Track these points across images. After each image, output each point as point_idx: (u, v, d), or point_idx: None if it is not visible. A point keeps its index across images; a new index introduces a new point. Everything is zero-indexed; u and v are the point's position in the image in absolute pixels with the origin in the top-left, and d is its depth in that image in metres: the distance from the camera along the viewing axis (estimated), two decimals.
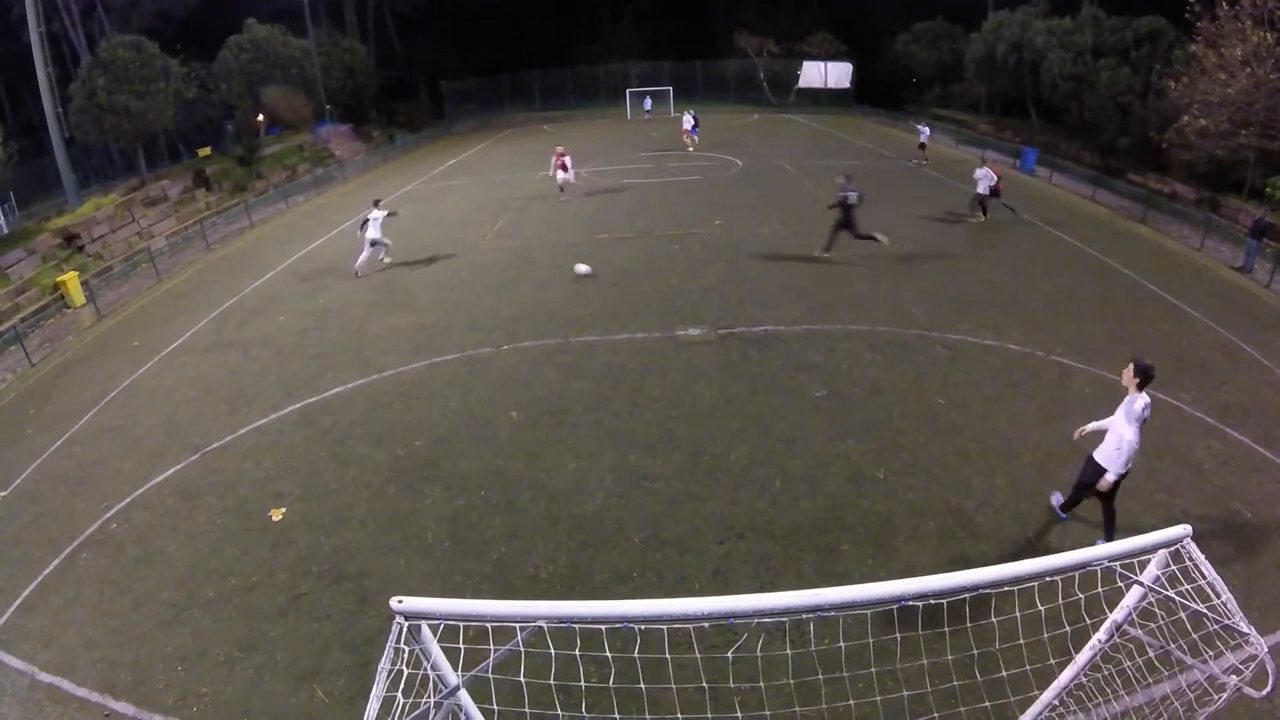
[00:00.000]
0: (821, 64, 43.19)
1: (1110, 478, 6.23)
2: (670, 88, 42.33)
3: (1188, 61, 20.33)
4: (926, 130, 25.85)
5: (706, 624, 2.44)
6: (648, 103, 41.09)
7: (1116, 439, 6.13)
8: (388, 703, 2.59)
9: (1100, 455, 6.29)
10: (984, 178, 17.55)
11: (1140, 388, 6.02)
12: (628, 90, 42.10)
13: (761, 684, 4.21)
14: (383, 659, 2.57)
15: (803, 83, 43.96)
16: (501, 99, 45.51)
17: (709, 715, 4.11)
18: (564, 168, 21.38)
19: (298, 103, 32.90)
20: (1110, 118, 24.72)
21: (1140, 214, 19.18)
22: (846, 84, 42.93)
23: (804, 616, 2.50)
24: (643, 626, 2.71)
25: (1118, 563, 2.76)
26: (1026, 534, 6.94)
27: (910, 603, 2.52)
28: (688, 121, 29.08)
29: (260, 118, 31.58)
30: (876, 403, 9.38)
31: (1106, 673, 3.66)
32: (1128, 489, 7.57)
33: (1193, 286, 13.80)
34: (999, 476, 7.81)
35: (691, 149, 28.56)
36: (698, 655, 3.85)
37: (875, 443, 8.51)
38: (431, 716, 2.70)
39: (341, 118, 36.34)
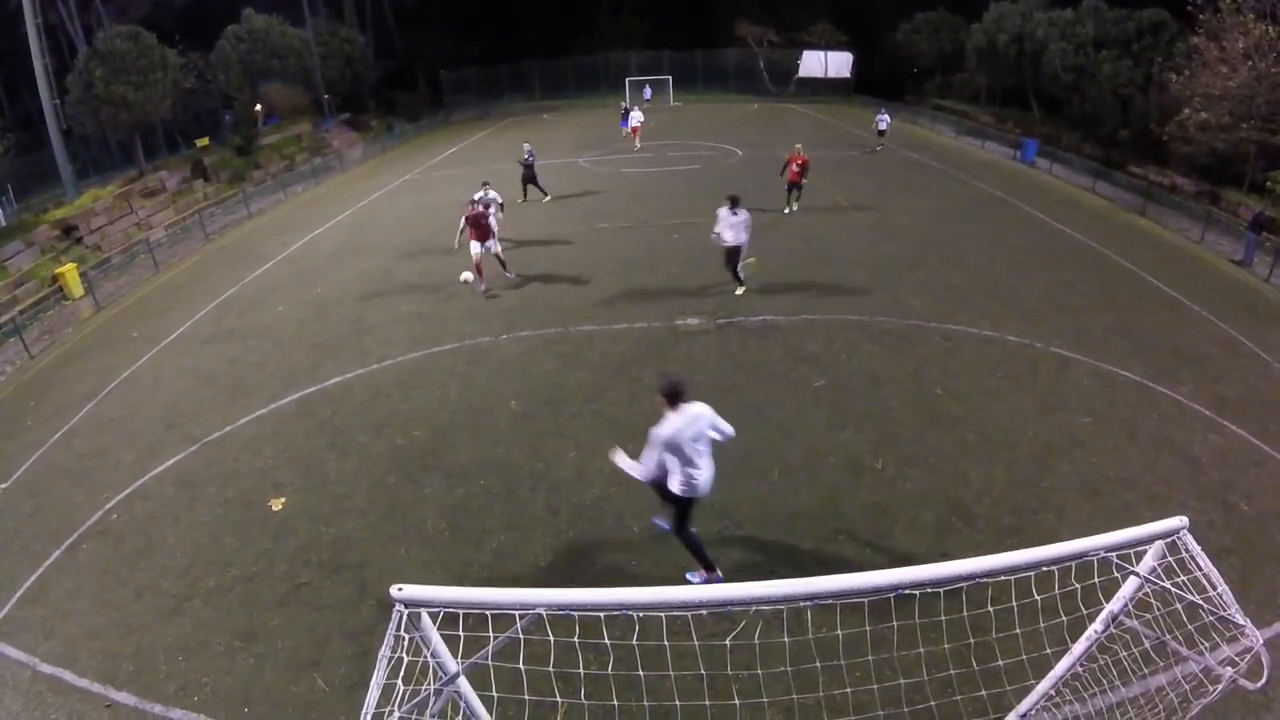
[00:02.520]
0: (822, 54, 42.97)
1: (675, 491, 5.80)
2: (670, 77, 42.13)
3: (1189, 54, 20.30)
4: (886, 118, 26.86)
5: (704, 612, 2.46)
6: (647, 91, 40.92)
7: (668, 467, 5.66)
8: (388, 690, 2.60)
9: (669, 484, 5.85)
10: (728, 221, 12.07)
11: (672, 405, 5.58)
12: (627, 79, 41.87)
13: (759, 672, 4.22)
14: (383, 647, 2.58)
15: (803, 72, 43.74)
16: (501, 89, 45.26)
17: (706, 702, 4.13)
18: (483, 236, 12.68)
19: (296, 93, 32.72)
20: (1111, 110, 24.70)
21: (1140, 207, 19.17)
22: (847, 74, 42.74)
23: (801, 605, 2.51)
24: (641, 614, 2.73)
25: (1114, 554, 2.77)
26: (1023, 524, 6.96)
27: (907, 591, 2.53)
28: (636, 118, 27.69)
29: (258, 108, 31.42)
30: (875, 393, 9.39)
31: (1102, 663, 3.68)
32: (1125, 480, 7.62)
33: (1192, 280, 13.81)
34: (997, 467, 7.83)
35: (639, 145, 27.27)
36: (695, 643, 3.86)
37: (873, 433, 8.53)
38: (431, 704, 2.71)
39: (340, 108, 36.17)
